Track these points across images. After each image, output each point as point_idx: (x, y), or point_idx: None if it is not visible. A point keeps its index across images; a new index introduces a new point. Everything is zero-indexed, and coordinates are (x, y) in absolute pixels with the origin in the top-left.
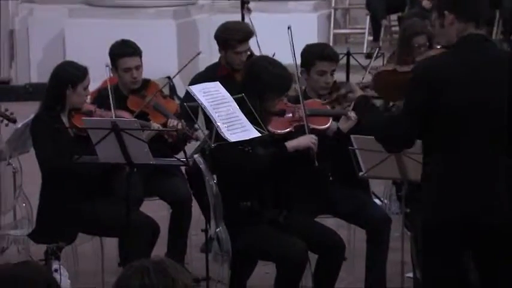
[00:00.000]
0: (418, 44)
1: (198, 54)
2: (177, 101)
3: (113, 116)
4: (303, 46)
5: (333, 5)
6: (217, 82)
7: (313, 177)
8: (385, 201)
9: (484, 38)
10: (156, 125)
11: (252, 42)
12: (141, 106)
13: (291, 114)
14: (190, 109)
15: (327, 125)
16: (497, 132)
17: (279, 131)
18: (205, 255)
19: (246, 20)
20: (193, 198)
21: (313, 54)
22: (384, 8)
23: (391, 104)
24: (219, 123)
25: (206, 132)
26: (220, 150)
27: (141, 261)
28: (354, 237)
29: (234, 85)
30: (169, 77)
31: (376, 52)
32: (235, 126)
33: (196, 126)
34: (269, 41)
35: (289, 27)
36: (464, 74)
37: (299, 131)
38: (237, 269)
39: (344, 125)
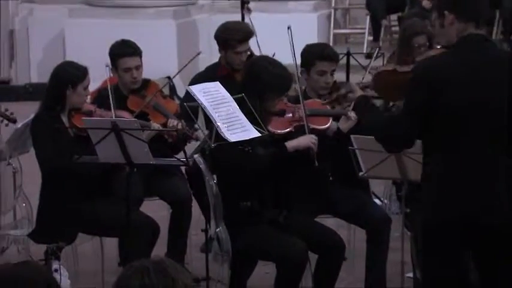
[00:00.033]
0: (418, 44)
1: (198, 54)
2: (177, 101)
3: (113, 116)
4: (303, 46)
5: (333, 5)
6: (217, 82)
7: (313, 177)
8: (385, 201)
9: (484, 38)
10: (156, 125)
11: (252, 42)
12: (141, 106)
13: (291, 114)
14: (190, 109)
15: (327, 125)
16: (497, 132)
17: (279, 131)
18: (205, 255)
19: (246, 20)
20: (193, 198)
21: (313, 54)
22: (383, 8)
23: (391, 104)
24: (219, 123)
25: (206, 132)
26: (220, 150)
27: (141, 261)
28: (354, 237)
29: (234, 85)
30: (169, 77)
31: (376, 52)
32: (235, 126)
33: (196, 126)
34: (269, 41)
35: (289, 27)
36: (464, 74)
37: (299, 131)
38: (237, 269)
39: (344, 125)
